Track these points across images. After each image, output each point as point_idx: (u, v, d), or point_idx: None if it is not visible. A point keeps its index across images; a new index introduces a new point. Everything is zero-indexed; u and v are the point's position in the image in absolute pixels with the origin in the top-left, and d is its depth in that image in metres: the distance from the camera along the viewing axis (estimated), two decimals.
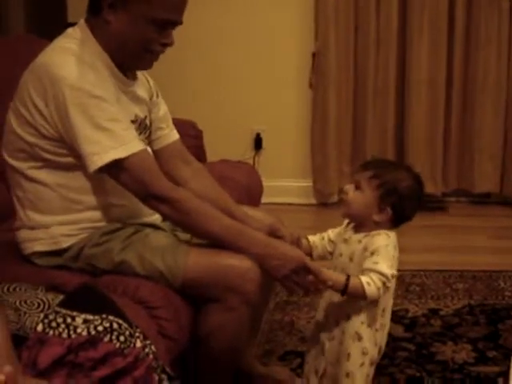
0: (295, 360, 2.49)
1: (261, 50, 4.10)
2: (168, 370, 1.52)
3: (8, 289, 1.71)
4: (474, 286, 3.13)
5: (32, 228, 1.97)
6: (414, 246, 3.64)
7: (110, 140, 1.83)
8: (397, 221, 1.94)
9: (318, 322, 2.07)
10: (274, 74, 4.13)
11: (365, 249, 1.90)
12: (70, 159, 1.91)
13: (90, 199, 1.96)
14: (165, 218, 1.97)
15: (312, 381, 2.06)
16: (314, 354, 2.05)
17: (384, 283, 1.85)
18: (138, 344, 1.45)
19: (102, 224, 1.97)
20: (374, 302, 1.91)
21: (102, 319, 1.44)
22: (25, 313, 1.55)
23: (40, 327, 1.41)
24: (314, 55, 4.05)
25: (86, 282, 1.76)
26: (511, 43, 3.93)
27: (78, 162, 1.89)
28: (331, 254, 2.03)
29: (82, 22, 1.96)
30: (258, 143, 4.23)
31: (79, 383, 1.29)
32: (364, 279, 1.85)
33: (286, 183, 4.20)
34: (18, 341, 1.39)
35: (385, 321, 1.98)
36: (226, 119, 4.18)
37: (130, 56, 1.96)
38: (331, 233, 2.06)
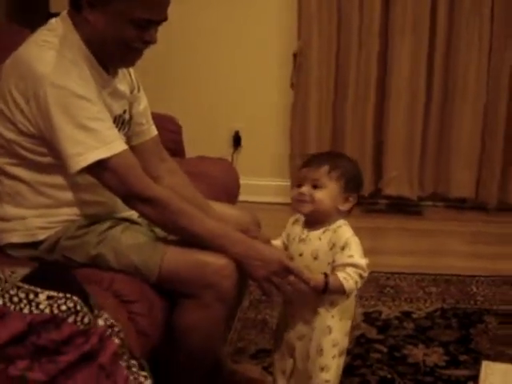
0: (267, 358, 2.48)
1: (243, 48, 4.10)
2: (137, 355, 1.50)
3: None
4: (447, 289, 3.14)
5: (8, 220, 1.96)
6: (388, 248, 3.67)
7: (93, 140, 1.81)
8: (354, 206, 2.00)
9: (280, 324, 2.07)
10: (255, 72, 4.13)
11: (332, 245, 1.90)
12: (48, 159, 1.89)
13: (67, 196, 1.94)
14: (146, 218, 1.95)
15: (280, 381, 2.06)
16: (279, 355, 2.05)
17: (360, 275, 1.87)
18: (101, 323, 1.43)
19: (78, 218, 1.95)
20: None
21: (67, 298, 1.41)
22: None
23: (0, 302, 1.38)
24: (295, 55, 4.05)
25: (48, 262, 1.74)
26: (491, 50, 3.95)
27: (56, 162, 1.87)
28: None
29: (64, 14, 1.93)
30: (236, 141, 4.23)
31: (44, 368, 1.28)
32: (341, 275, 1.86)
33: (263, 182, 4.21)
34: None
35: (352, 311, 2.01)
36: (206, 116, 4.17)
37: (111, 54, 1.93)
38: (279, 239, 2.05)
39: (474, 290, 3.14)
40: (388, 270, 3.30)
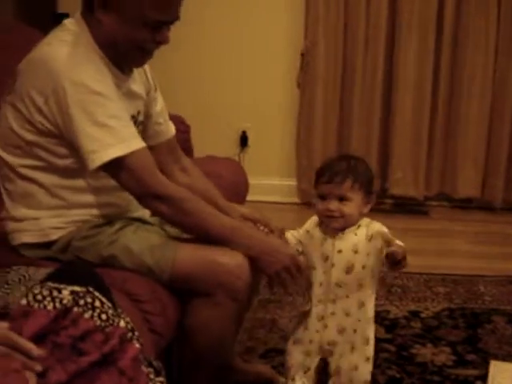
0: (277, 358, 2.49)
1: (250, 48, 4.11)
2: (155, 363, 1.51)
3: None
4: (455, 289, 3.15)
5: (20, 220, 1.96)
6: None
7: (110, 137, 1.81)
8: None
9: (300, 325, 2.07)
10: (262, 72, 4.14)
11: (370, 236, 1.98)
12: (65, 161, 1.89)
13: (81, 198, 1.94)
14: (161, 216, 1.95)
15: (298, 381, 2.05)
16: (300, 354, 2.05)
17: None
18: (122, 324, 1.44)
19: (91, 218, 1.96)
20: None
21: (88, 292, 1.42)
22: (8, 293, 1.54)
23: (24, 301, 1.39)
24: (302, 55, 4.06)
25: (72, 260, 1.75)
26: (498, 50, 3.97)
27: (75, 165, 1.88)
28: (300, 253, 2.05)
29: (77, 15, 1.94)
30: (243, 141, 4.24)
31: (66, 367, 1.28)
32: (397, 241, 1.94)
33: (270, 181, 4.22)
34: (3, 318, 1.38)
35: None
36: (213, 116, 4.18)
37: (122, 54, 1.93)
38: (296, 233, 2.08)
39: (482, 289, 3.15)
40: None
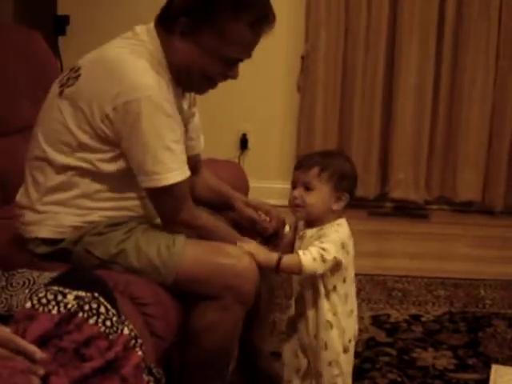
0: (278, 361, 2.49)
1: None
2: (155, 371, 1.51)
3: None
4: (455, 293, 3.15)
5: (40, 212, 1.94)
6: (395, 251, 3.67)
7: (172, 162, 1.84)
8: (350, 201, 1.98)
9: (290, 324, 2.07)
10: (262, 75, 4.13)
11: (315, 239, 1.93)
12: (112, 167, 1.89)
13: (108, 203, 1.95)
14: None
15: (294, 382, 2.06)
16: (290, 353, 2.05)
17: (322, 256, 1.86)
18: (126, 331, 1.43)
19: (109, 220, 1.95)
20: (333, 288, 1.93)
21: (93, 298, 1.41)
22: (11, 295, 1.53)
23: (29, 304, 1.38)
24: (303, 58, 4.05)
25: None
26: (499, 53, 3.97)
27: (118, 172, 1.89)
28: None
29: (151, 27, 1.92)
30: (243, 143, 4.23)
31: (69, 373, 1.28)
32: (300, 252, 1.88)
33: (270, 184, 4.21)
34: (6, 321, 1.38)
35: (350, 307, 1.99)
36: (213, 118, 4.16)
37: (189, 81, 1.95)
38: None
39: (482, 293, 3.14)
40: (395, 273, 3.31)
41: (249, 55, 1.94)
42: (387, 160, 4.16)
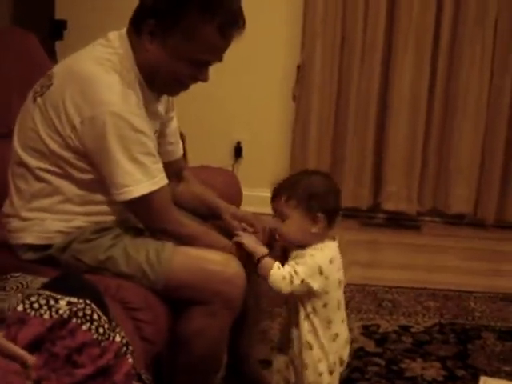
0: (267, 369, 2.49)
1: (246, 60, 4.11)
2: (144, 377, 1.51)
3: None
4: (445, 305, 3.16)
5: (26, 219, 1.96)
6: (386, 262, 3.68)
7: (142, 174, 1.85)
8: (331, 218, 1.93)
9: (282, 336, 2.08)
10: (258, 84, 4.15)
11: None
12: (86, 175, 1.90)
13: (94, 208, 1.95)
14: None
15: None
16: (282, 363, 2.04)
17: (291, 277, 1.86)
18: (118, 338, 1.44)
19: (95, 225, 1.96)
20: (312, 310, 1.92)
21: (86, 304, 1.42)
22: (4, 299, 1.54)
23: (21, 307, 1.39)
24: (298, 68, 4.07)
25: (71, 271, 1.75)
26: (494, 64, 3.98)
27: (94, 180, 1.90)
28: None
29: (123, 32, 1.94)
30: (237, 152, 4.24)
31: (61, 380, 1.28)
32: (276, 263, 1.89)
33: (263, 193, 4.18)
34: None
35: (335, 331, 1.95)
36: (208, 126, 4.18)
37: (159, 83, 1.95)
38: None
39: (472, 305, 3.16)
40: (386, 283, 3.32)
41: (219, 59, 1.94)
42: (380, 171, 4.17)
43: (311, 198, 1.90)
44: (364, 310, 3.05)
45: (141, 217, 1.94)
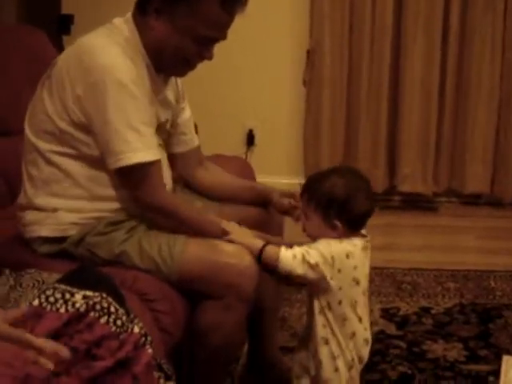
0: (287, 356, 2.48)
1: (256, 47, 4.09)
2: (165, 367, 1.51)
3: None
4: (465, 285, 3.14)
5: (39, 209, 1.95)
6: (404, 244, 3.66)
7: (139, 142, 1.83)
8: (353, 225, 1.86)
9: (306, 325, 2.05)
10: (268, 70, 4.13)
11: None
12: (97, 152, 1.89)
13: (104, 191, 1.94)
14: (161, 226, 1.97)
15: (303, 379, 2.03)
16: (304, 355, 1.99)
17: (303, 256, 1.80)
18: (136, 330, 1.43)
19: (108, 215, 1.95)
20: (327, 305, 1.87)
21: (102, 298, 1.42)
22: (20, 295, 1.54)
23: (36, 302, 1.39)
24: (308, 52, 4.04)
25: (86, 264, 1.75)
26: (505, 46, 3.94)
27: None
28: None
29: (128, 16, 1.95)
30: (250, 139, 4.23)
31: (80, 373, 1.28)
32: (283, 247, 1.84)
33: (277, 180, 4.19)
34: None
35: (351, 330, 1.90)
36: (220, 114, 4.17)
37: (166, 62, 1.96)
38: None
39: (492, 284, 3.13)
40: (404, 266, 3.30)
41: (223, 36, 1.95)
42: (395, 153, 4.15)
43: (329, 205, 1.83)
44: (383, 293, 3.03)
45: (131, 187, 1.90)
